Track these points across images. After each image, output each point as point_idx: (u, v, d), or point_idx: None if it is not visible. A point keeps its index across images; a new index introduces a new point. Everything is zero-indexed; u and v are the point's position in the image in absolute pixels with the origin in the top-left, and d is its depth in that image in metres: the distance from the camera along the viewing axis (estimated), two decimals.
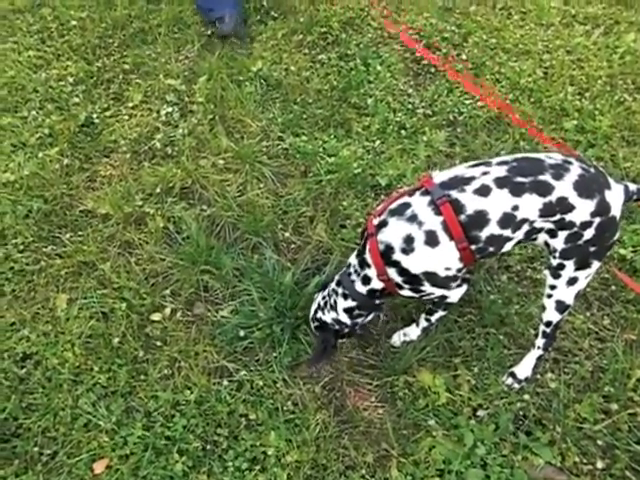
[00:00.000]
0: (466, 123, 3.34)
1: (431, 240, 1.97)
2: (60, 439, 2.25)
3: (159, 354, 2.48)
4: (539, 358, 2.35)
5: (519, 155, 2.04)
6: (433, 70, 3.66)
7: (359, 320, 2.31)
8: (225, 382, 2.39)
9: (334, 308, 2.28)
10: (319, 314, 2.33)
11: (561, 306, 2.15)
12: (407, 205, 2.02)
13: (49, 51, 3.76)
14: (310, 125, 3.33)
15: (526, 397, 2.32)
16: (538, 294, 2.63)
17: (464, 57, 3.70)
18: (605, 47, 3.79)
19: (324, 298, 2.32)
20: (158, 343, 2.51)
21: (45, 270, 2.74)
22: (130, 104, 3.45)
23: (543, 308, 2.21)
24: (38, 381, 2.39)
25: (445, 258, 2.00)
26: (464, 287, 2.22)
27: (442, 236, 1.96)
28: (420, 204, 1.99)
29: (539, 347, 2.31)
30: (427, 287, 2.09)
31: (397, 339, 2.50)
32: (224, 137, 3.22)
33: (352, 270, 2.21)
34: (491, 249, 2.01)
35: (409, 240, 1.98)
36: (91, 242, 2.82)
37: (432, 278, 2.06)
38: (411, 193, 2.06)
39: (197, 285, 2.68)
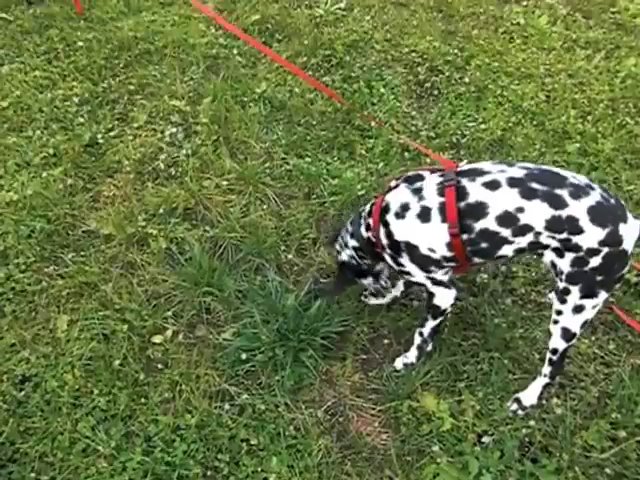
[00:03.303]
0: (469, 145, 3.35)
1: (423, 215, 2.07)
2: (58, 464, 2.20)
3: (160, 377, 2.45)
4: (545, 386, 2.31)
5: (545, 167, 2.06)
6: (436, 93, 3.69)
7: (367, 261, 2.44)
8: (226, 406, 2.36)
9: (347, 246, 2.44)
10: (339, 256, 2.51)
11: (567, 334, 2.14)
12: (420, 177, 2.15)
13: (55, 71, 3.79)
14: (314, 147, 3.34)
15: (532, 423, 2.28)
16: (543, 318, 2.61)
17: (467, 80, 3.73)
18: (606, 71, 3.83)
19: (342, 238, 2.48)
20: (159, 366, 2.48)
21: (46, 291, 2.72)
22: (135, 124, 3.47)
23: (549, 334, 2.19)
24: (37, 404, 2.35)
25: (431, 238, 2.08)
26: (452, 291, 2.24)
27: (435, 216, 2.05)
28: (431, 181, 2.10)
29: (545, 375, 2.29)
30: (405, 261, 2.18)
31: (399, 363, 2.48)
32: (228, 158, 3.23)
33: (363, 214, 2.36)
34: (484, 245, 2.03)
35: (405, 207, 2.11)
36: (93, 263, 2.81)
37: (412, 252, 2.13)
38: (433, 171, 2.16)
39: (199, 307, 2.66)
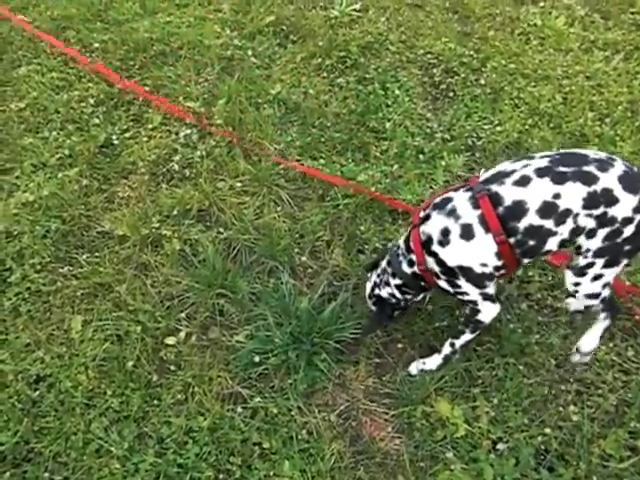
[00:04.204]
0: (485, 148, 3.32)
1: (466, 233, 2.03)
2: (71, 465, 2.22)
3: (173, 379, 2.45)
4: (606, 329, 2.38)
5: (563, 150, 2.11)
6: (452, 94, 3.66)
7: (409, 297, 2.43)
8: (239, 409, 2.35)
9: (388, 284, 2.40)
10: (376, 291, 2.46)
11: (592, 295, 2.17)
12: (449, 200, 2.11)
13: (71, 73, 3.81)
14: (328, 149, 3.33)
15: (547, 431, 2.26)
16: (559, 323, 2.59)
17: (482, 82, 3.69)
18: (625, 73, 3.77)
19: (379, 276, 2.44)
20: (172, 367, 2.49)
21: (61, 291, 2.74)
22: (149, 126, 3.47)
23: (568, 304, 2.31)
24: (51, 404, 2.37)
25: (481, 252, 2.05)
26: (497, 306, 2.23)
27: (478, 229, 2.01)
28: (461, 199, 2.08)
29: (605, 318, 2.34)
30: (462, 282, 2.15)
31: (414, 368, 2.46)
32: (242, 160, 3.23)
33: (400, 252, 2.33)
34: (532, 242, 2.01)
35: (445, 232, 2.07)
36: (107, 263, 2.82)
37: (467, 273, 2.11)
38: (457, 189, 2.15)
39: (212, 309, 2.66)
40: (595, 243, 2.01)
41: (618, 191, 1.93)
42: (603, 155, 2.02)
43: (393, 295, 2.41)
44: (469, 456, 2.21)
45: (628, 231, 1.97)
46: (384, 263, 2.43)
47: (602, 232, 1.98)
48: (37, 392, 2.40)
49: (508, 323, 2.56)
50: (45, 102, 3.59)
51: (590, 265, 2.07)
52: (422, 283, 2.32)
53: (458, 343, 2.36)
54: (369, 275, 2.53)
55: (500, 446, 2.23)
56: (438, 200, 2.16)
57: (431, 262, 2.17)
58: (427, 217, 2.16)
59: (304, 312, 2.53)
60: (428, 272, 2.21)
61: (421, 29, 4.12)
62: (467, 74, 3.74)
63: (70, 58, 3.88)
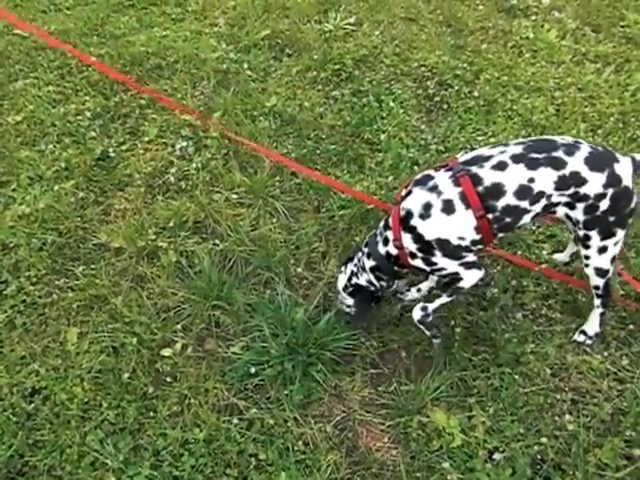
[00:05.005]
0: None
1: (447, 208, 2.16)
2: (66, 478, 2.20)
3: (169, 390, 2.45)
4: (602, 314, 2.50)
5: (534, 137, 2.33)
6: (445, 106, 3.69)
7: (384, 284, 2.48)
8: (235, 420, 2.35)
9: (364, 269, 2.45)
10: (354, 280, 2.51)
11: (601, 272, 2.35)
12: (430, 177, 2.24)
13: (68, 86, 3.84)
14: (323, 160, 3.35)
15: (544, 440, 2.25)
16: (554, 332, 2.59)
17: (476, 94, 3.73)
18: (616, 85, 3.82)
19: (356, 265, 2.50)
20: (168, 379, 2.48)
21: (57, 303, 2.74)
22: (146, 138, 3.50)
23: (587, 277, 2.40)
24: (46, 417, 2.36)
25: (460, 226, 2.17)
26: (479, 271, 2.29)
27: (458, 205, 2.15)
28: (442, 177, 2.20)
29: (598, 306, 2.48)
30: (439, 257, 2.23)
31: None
32: (238, 172, 3.25)
33: (378, 232, 2.40)
34: (508, 220, 2.18)
35: (427, 207, 2.17)
36: (103, 275, 2.82)
37: (444, 246, 2.20)
38: (437, 169, 2.26)
39: (208, 320, 2.66)
40: (579, 215, 2.20)
41: (585, 172, 2.12)
42: (570, 140, 2.20)
43: (370, 282, 2.47)
44: (465, 466, 2.21)
45: (604, 205, 2.16)
46: (362, 246, 2.49)
47: (580, 205, 2.18)
48: (32, 405, 2.39)
49: (503, 333, 2.56)
50: (42, 115, 3.62)
51: (587, 237, 2.25)
52: (395, 268, 2.39)
53: (430, 306, 2.39)
54: (342, 269, 2.58)
55: (496, 456, 2.23)
56: (419, 177, 2.27)
57: (407, 239, 2.24)
58: (408, 193, 2.25)
59: (300, 323, 2.53)
60: (402, 250, 2.27)
61: (415, 42, 4.17)
62: (461, 86, 3.78)
63: (67, 71, 3.92)
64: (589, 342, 2.53)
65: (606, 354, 2.52)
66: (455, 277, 2.29)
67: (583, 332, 2.55)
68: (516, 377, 2.44)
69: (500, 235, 2.28)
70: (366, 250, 2.45)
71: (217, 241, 2.97)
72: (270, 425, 2.33)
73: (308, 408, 2.40)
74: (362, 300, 2.54)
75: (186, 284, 2.78)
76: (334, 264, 2.86)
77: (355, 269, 2.51)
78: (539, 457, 2.23)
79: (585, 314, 2.58)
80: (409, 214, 2.22)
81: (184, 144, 3.42)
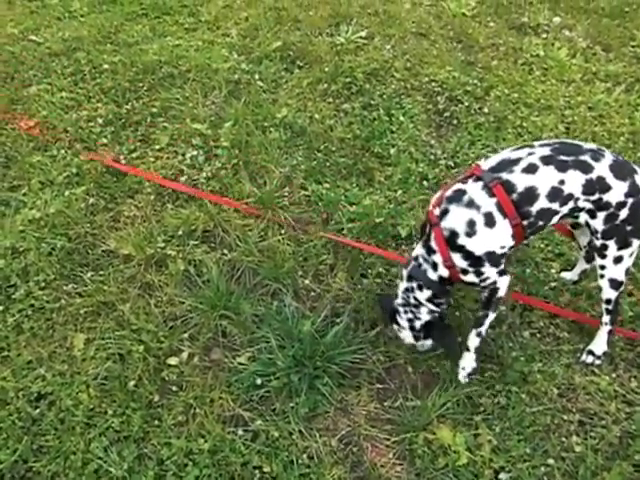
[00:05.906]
0: None
1: (489, 221, 2.16)
2: None
3: (174, 399, 2.44)
4: (610, 332, 2.50)
5: (557, 140, 2.34)
6: (455, 122, 3.71)
7: (443, 306, 2.43)
8: (240, 431, 2.34)
9: (420, 304, 2.39)
10: (417, 323, 2.43)
11: (614, 283, 2.37)
12: (462, 192, 2.20)
13: (81, 93, 3.87)
14: (333, 173, 3.36)
15: (550, 462, 2.24)
16: (562, 352, 2.58)
17: (486, 110, 3.75)
18: (627, 104, 3.83)
19: (406, 311, 2.42)
20: (174, 388, 2.48)
21: (64, 309, 2.74)
22: (156, 146, 3.52)
23: (600, 289, 2.42)
24: (51, 423, 2.35)
25: (501, 236, 2.19)
26: (508, 277, 2.32)
27: (497, 216, 2.15)
28: (474, 189, 2.18)
29: (606, 323, 2.48)
30: (487, 268, 2.24)
31: (462, 378, 2.47)
32: (247, 182, 3.26)
33: (421, 260, 2.33)
34: (540, 223, 2.22)
35: (471, 224, 2.16)
36: (112, 282, 2.83)
37: (491, 257, 2.22)
38: (463, 181, 2.24)
39: (215, 330, 2.66)
40: (598, 224, 2.23)
41: (610, 179, 2.15)
42: (594, 146, 2.24)
43: (432, 311, 2.40)
44: None
45: (623, 213, 2.20)
46: (403, 284, 2.39)
47: (601, 215, 2.21)
48: (37, 410, 2.39)
49: (510, 351, 2.56)
50: (54, 121, 3.64)
51: (605, 247, 2.28)
52: (448, 287, 2.36)
53: (484, 329, 2.41)
54: (395, 328, 2.50)
55: (502, 476, 2.21)
56: (450, 193, 2.22)
57: (457, 258, 2.22)
58: (445, 212, 2.20)
59: (307, 335, 2.53)
60: (454, 269, 2.25)
61: (426, 57, 4.19)
62: (471, 102, 3.80)
63: (80, 78, 3.95)
64: (597, 362, 2.51)
65: (614, 375, 2.50)
66: (494, 287, 2.30)
67: (591, 352, 2.53)
68: (523, 396, 2.43)
69: (531, 238, 2.35)
70: (415, 284, 2.35)
71: (225, 251, 2.97)
72: (275, 437, 2.32)
73: (313, 421, 2.39)
74: (438, 331, 2.45)
75: (194, 293, 2.78)
76: (342, 277, 2.86)
77: (410, 315, 2.42)
78: (546, 478, 2.21)
79: (592, 334, 2.57)
80: (454, 234, 2.18)
81: (194, 153, 3.44)
